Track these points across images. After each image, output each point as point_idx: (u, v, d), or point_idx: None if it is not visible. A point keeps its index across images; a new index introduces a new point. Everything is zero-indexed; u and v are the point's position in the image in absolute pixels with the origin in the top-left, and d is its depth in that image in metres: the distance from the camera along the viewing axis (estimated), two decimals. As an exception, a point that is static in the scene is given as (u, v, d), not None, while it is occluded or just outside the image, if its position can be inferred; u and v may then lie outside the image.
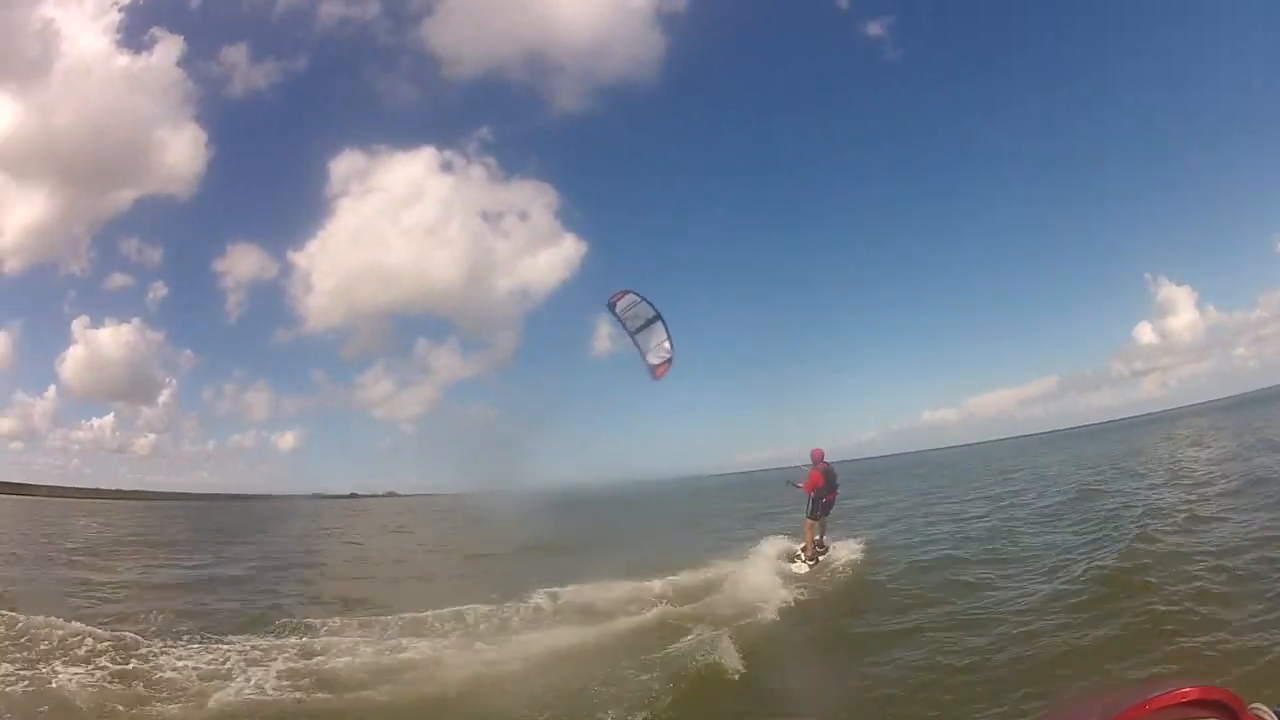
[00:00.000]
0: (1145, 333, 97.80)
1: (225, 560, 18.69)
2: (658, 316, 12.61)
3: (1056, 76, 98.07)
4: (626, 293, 12.84)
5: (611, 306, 12.78)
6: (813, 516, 13.92)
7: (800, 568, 13.36)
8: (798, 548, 13.90)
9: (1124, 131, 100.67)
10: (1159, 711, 1.24)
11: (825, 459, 14.23)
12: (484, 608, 10.23)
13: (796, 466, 14.66)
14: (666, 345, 12.42)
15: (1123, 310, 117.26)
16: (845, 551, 13.96)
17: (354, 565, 18.27)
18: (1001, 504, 19.70)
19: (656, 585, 11.81)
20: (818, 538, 14.12)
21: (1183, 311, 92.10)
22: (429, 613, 9.97)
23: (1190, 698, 1.26)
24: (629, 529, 20.90)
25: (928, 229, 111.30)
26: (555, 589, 11.27)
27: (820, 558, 13.74)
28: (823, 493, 13.95)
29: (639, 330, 12.45)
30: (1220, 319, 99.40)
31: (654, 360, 12.32)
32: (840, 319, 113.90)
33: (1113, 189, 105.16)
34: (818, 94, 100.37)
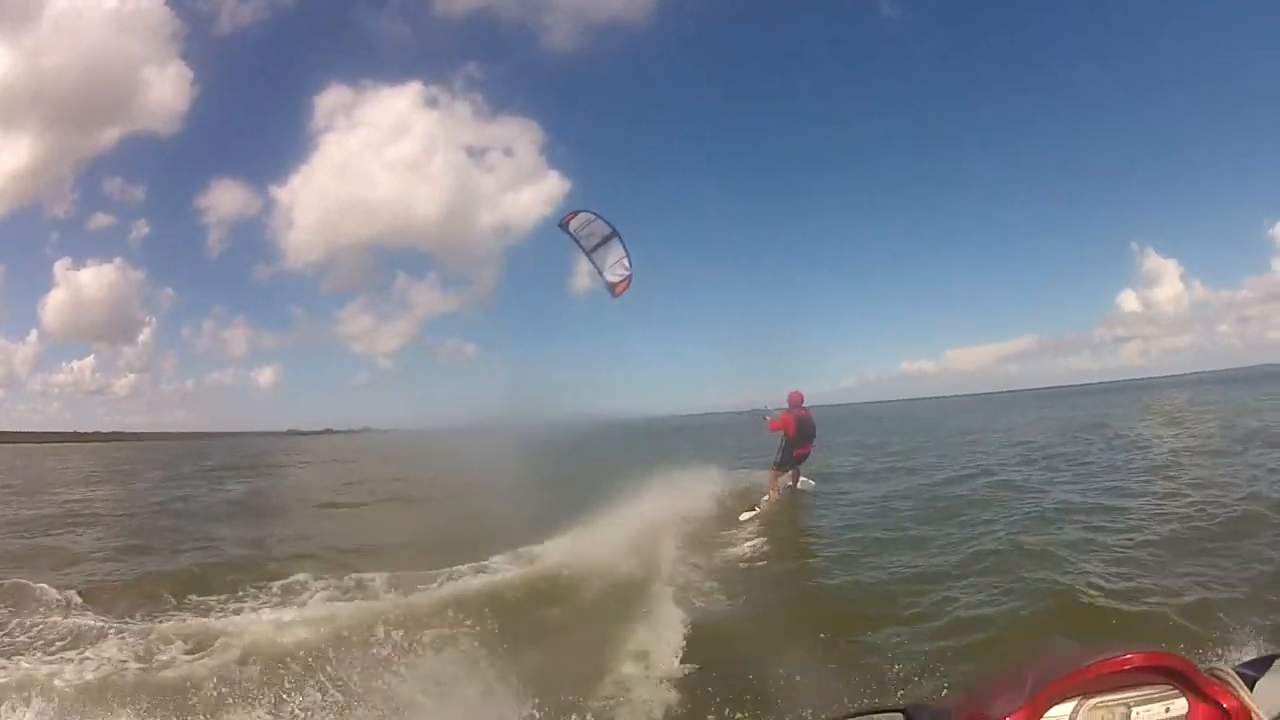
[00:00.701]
0: (1129, 300, 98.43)
1: (32, 504, 18.43)
2: (614, 233, 12.00)
3: (1057, 43, 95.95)
4: (579, 212, 12.22)
5: (564, 225, 12.17)
6: (779, 467, 12.75)
7: (750, 514, 12.09)
8: (761, 499, 12.60)
9: (1123, 101, 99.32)
10: (1103, 678, 1.21)
11: (805, 404, 12.82)
12: None
13: (770, 409, 13.13)
14: (625, 262, 11.77)
15: (1107, 276, 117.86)
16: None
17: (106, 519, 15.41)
18: (936, 477, 15.58)
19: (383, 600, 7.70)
20: (789, 485, 12.99)
21: (1167, 283, 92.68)
22: None
23: (1135, 664, 1.23)
24: (550, 477, 18.16)
25: (918, 183, 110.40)
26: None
27: (774, 504, 12.36)
28: (794, 443, 12.62)
29: (595, 248, 11.84)
30: (1205, 295, 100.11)
31: (611, 278, 11.73)
32: (825, 267, 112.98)
33: (1107, 156, 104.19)
34: (811, 44, 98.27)
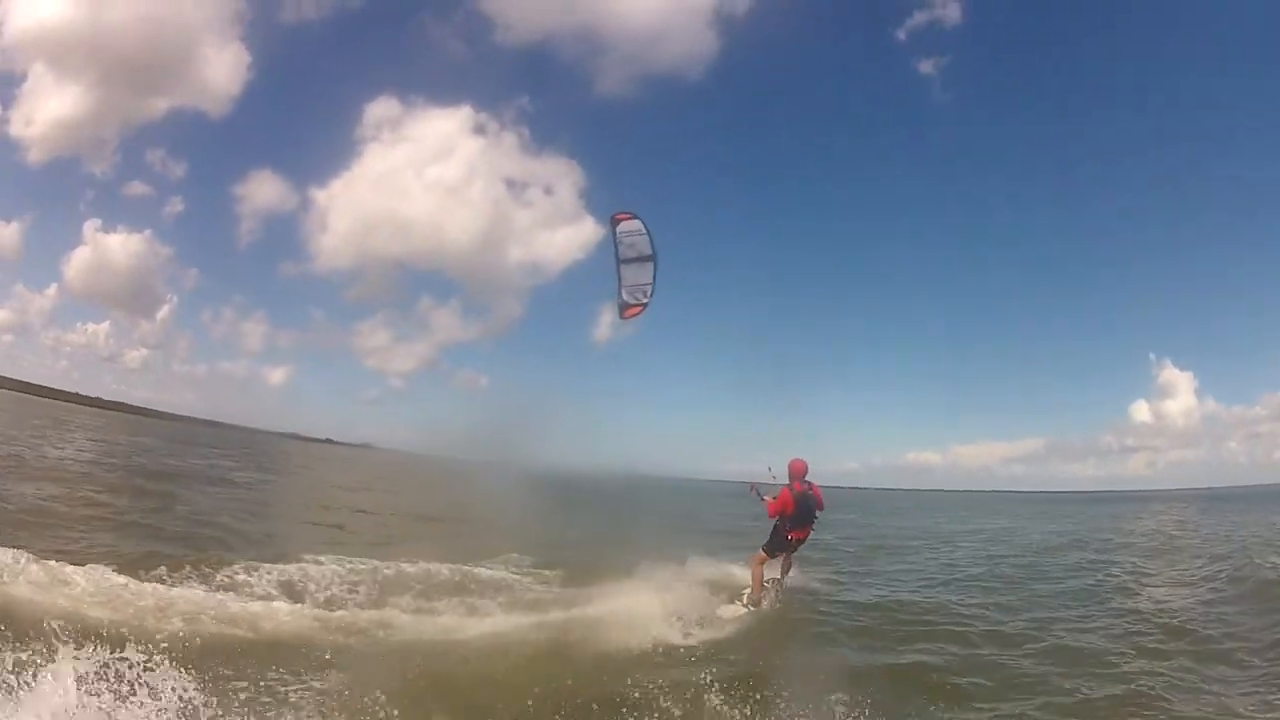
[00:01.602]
0: (1141, 411, 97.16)
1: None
2: (653, 257, 11.68)
3: (1100, 147, 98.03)
4: (636, 217, 11.76)
5: (615, 222, 11.69)
6: (770, 551, 10.96)
7: (733, 610, 10.67)
8: (743, 592, 10.99)
9: (1152, 211, 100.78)
10: None
11: (808, 478, 11.00)
12: None
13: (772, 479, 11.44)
14: (648, 290, 11.52)
15: (1121, 385, 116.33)
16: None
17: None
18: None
19: None
20: (775, 577, 11.22)
21: (1181, 396, 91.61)
22: None
23: None
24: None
25: (944, 270, 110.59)
26: None
27: (764, 603, 10.80)
28: (791, 523, 10.76)
29: (629, 261, 11.60)
30: (1217, 410, 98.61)
31: (628, 299, 11.52)
32: (842, 344, 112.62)
33: (1132, 264, 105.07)
34: (860, 121, 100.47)
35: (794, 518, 10.74)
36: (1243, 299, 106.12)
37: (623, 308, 11.70)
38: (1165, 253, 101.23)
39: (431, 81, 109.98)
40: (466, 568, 11.70)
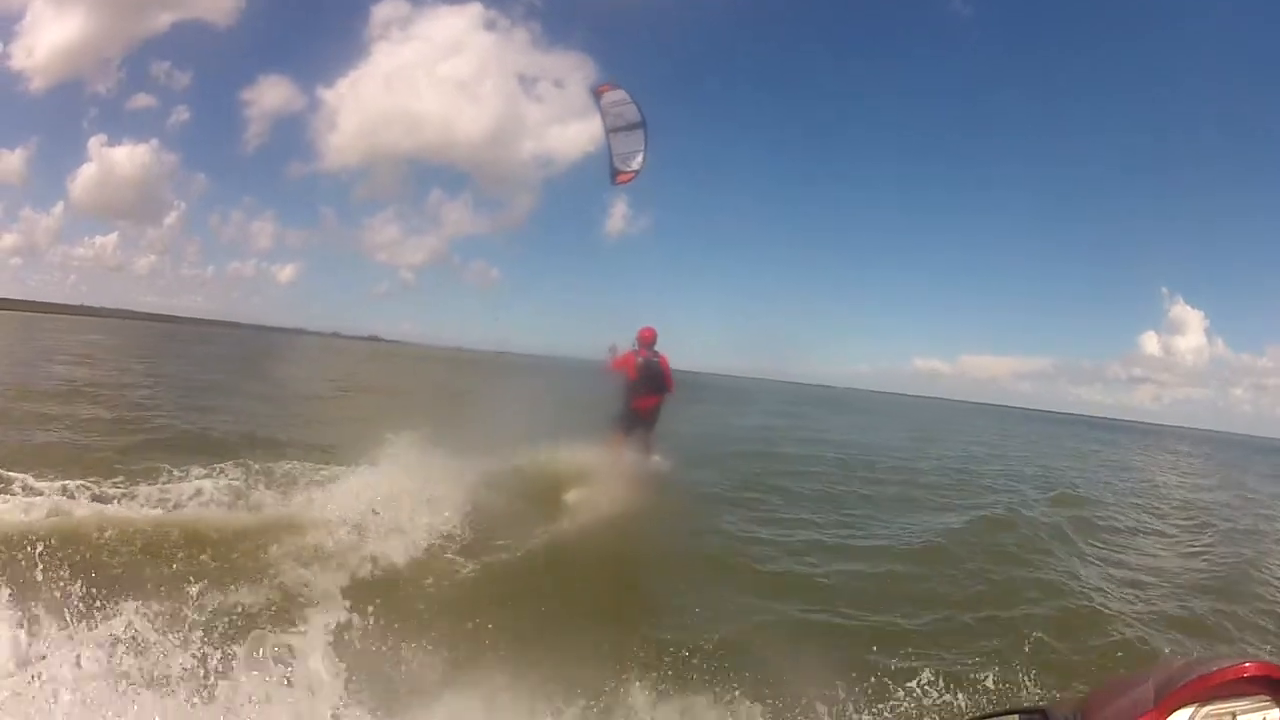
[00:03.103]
0: (1150, 343, 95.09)
1: None
2: (642, 124, 11.38)
3: (1131, 66, 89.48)
4: (619, 88, 11.53)
5: (597, 95, 11.52)
6: (621, 427, 9.87)
7: (577, 495, 9.18)
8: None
9: (1177, 146, 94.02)
10: (1217, 686, 1.29)
11: (656, 348, 9.97)
12: None
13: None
14: (640, 157, 11.25)
15: (1132, 315, 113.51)
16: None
17: None
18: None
19: None
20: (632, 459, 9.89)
21: (1191, 334, 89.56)
22: None
23: (1249, 673, 1.30)
24: None
25: (963, 186, 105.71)
26: None
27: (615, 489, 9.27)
28: (634, 391, 9.78)
29: (618, 130, 11.29)
30: (1226, 354, 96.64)
31: (620, 166, 11.26)
32: (860, 252, 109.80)
33: (1154, 195, 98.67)
34: (879, 32, 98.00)
35: (635, 384, 9.80)
36: (1260, 245, 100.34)
37: (614, 174, 11.42)
38: (1188, 189, 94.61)
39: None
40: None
